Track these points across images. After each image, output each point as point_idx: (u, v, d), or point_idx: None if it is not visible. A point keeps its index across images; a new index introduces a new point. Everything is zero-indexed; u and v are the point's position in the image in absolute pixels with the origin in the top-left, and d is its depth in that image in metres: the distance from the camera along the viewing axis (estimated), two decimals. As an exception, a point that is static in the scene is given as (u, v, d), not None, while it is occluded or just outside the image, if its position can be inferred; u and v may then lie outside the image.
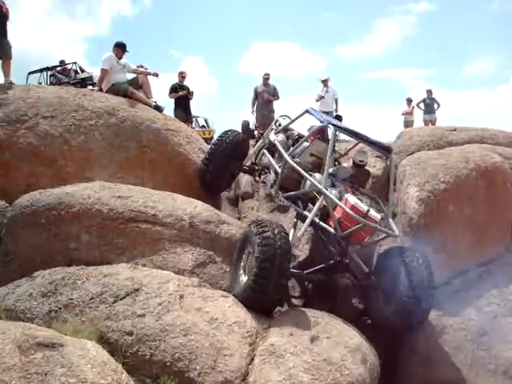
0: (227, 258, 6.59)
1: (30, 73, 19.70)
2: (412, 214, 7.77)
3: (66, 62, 19.94)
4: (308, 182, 6.97)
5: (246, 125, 11.90)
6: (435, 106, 17.04)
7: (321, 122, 7.66)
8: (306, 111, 8.09)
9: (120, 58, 9.58)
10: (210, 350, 4.83)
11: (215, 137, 20.57)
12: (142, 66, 10.66)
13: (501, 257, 8.05)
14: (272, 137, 8.30)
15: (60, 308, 5.14)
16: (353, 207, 6.38)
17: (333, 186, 7.04)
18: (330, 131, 7.30)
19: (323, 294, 7.68)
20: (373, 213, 6.49)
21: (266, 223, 6.14)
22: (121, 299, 5.18)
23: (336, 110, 14.57)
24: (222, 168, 8.53)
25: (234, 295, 5.90)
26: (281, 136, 8.35)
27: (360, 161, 7.86)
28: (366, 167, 8.19)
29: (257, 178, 9.04)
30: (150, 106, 9.14)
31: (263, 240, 5.83)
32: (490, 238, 7.93)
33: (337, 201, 6.43)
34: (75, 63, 19.53)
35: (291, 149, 7.67)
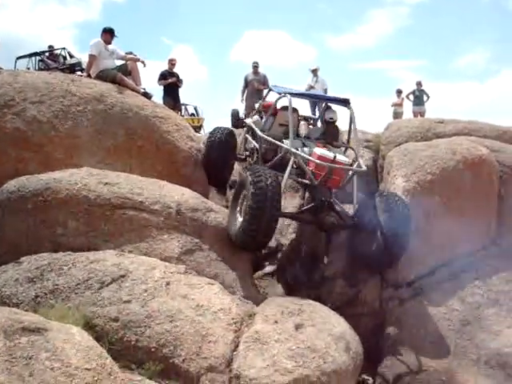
0: (214, 245, 6.62)
1: (18, 58, 19.49)
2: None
3: (55, 48, 19.75)
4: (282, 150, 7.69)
5: (235, 113, 11.87)
6: (425, 97, 17.10)
7: (279, 94, 8.41)
8: (269, 89, 9.16)
9: (109, 44, 9.52)
10: (195, 337, 4.86)
11: (204, 125, 20.68)
12: (131, 53, 10.59)
13: (485, 249, 8.12)
14: (248, 120, 9.24)
15: (46, 294, 5.14)
16: (320, 157, 7.18)
17: (304, 145, 7.81)
18: (288, 100, 7.88)
19: (309, 282, 7.75)
20: (340, 157, 7.31)
21: (260, 170, 6.76)
22: (107, 285, 5.20)
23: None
24: (220, 162, 8.90)
25: (230, 234, 6.78)
26: (255, 117, 9.22)
27: (330, 118, 8.50)
28: (336, 124, 8.68)
29: (247, 165, 9.24)
30: (139, 92, 9.10)
31: (257, 184, 6.48)
32: (475, 229, 7.95)
33: (304, 154, 7.30)
34: (64, 49, 19.34)
35: (260, 122, 8.62)
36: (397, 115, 17.07)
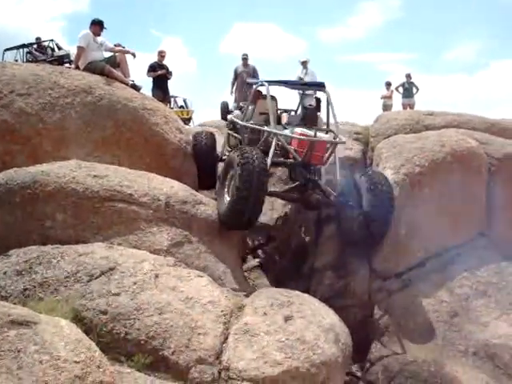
0: (203, 238, 6.61)
1: (6, 50, 19.38)
2: (387, 196, 7.82)
3: (43, 40, 19.63)
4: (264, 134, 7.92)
5: (225, 106, 11.84)
6: (414, 90, 17.12)
7: (256, 83, 8.93)
8: (247, 83, 9.72)
9: (98, 36, 9.45)
10: (184, 329, 4.85)
11: (194, 117, 20.62)
12: (119, 45, 10.53)
13: (474, 240, 8.18)
14: (229, 117, 9.47)
15: (35, 286, 5.11)
16: (301, 134, 7.47)
17: (285, 129, 8.04)
18: (266, 88, 8.20)
19: (298, 274, 7.77)
20: (320, 134, 7.65)
21: (247, 149, 6.97)
22: (96, 278, 5.18)
23: (315, 92, 14.57)
24: (205, 166, 8.99)
25: (219, 214, 6.94)
26: (236, 112, 9.56)
27: (309, 104, 9.05)
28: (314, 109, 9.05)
29: None
30: (128, 84, 9.05)
31: (244, 162, 6.66)
32: (463, 221, 8.03)
33: (286, 133, 7.66)
34: (52, 40, 19.24)
35: (241, 115, 8.84)
36: (386, 107, 17.10)
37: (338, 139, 7.71)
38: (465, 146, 8.41)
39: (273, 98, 8.69)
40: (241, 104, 9.78)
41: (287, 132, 7.80)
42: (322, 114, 8.88)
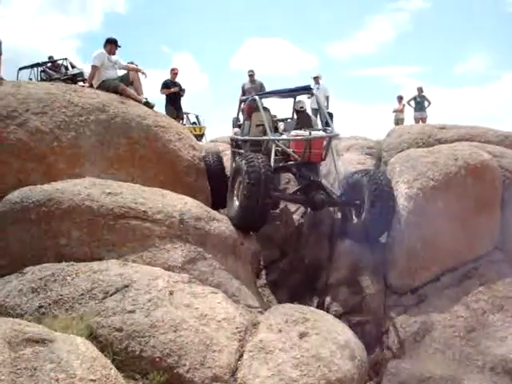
0: (217, 254, 6.61)
1: (20, 68, 19.61)
2: (401, 211, 7.79)
3: (55, 58, 19.84)
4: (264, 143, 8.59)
5: (236, 121, 11.90)
6: (426, 103, 17.09)
7: (245, 100, 9.60)
8: (240, 101, 10.20)
9: (113, 54, 9.57)
10: (199, 346, 4.85)
11: (206, 133, 20.70)
12: (132, 63, 10.63)
13: (489, 254, 8.09)
14: (230, 135, 10.19)
15: (50, 304, 5.14)
16: (296, 135, 8.17)
17: (282, 135, 8.69)
18: (258, 101, 8.83)
19: (312, 290, 7.74)
20: (314, 133, 8.23)
21: (253, 156, 7.45)
22: (110, 295, 5.20)
23: (327, 108, 14.61)
24: (216, 186, 9.05)
25: (229, 218, 7.38)
26: (235, 130, 10.13)
27: (300, 107, 9.72)
28: (307, 112, 9.96)
29: None
30: (141, 102, 9.12)
31: (251, 168, 7.18)
32: (478, 235, 7.96)
33: (283, 137, 8.29)
34: (66, 59, 19.44)
35: (240, 131, 9.51)
36: (398, 121, 17.08)
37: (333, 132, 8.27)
38: (478, 160, 8.34)
39: (265, 109, 9.22)
40: (239, 122, 10.21)
41: (284, 137, 8.42)
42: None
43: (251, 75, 14.20)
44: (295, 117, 9.98)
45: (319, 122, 9.88)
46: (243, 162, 7.41)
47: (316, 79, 14.92)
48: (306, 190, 7.99)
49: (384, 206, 7.68)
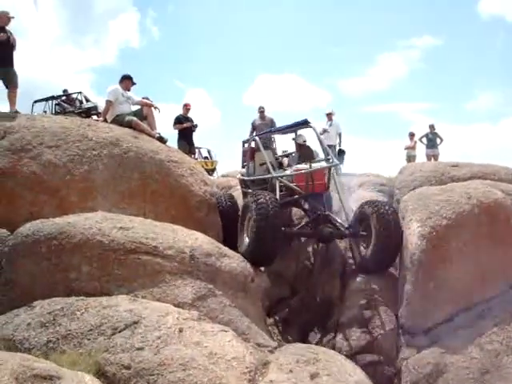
0: (227, 291, 6.54)
1: (35, 101, 19.91)
2: (414, 250, 7.71)
3: (70, 92, 20.14)
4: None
5: (242, 162, 11.98)
6: (438, 140, 17.14)
7: (246, 142, 10.28)
8: (243, 142, 10.73)
9: (128, 90, 9.71)
10: (208, 386, 4.77)
11: (218, 168, 20.76)
12: (147, 98, 10.76)
13: (503, 294, 7.96)
14: (237, 176, 10.81)
15: (58, 339, 5.10)
16: (297, 169, 8.62)
17: (285, 171, 9.13)
18: (258, 141, 9.43)
19: (323, 328, 7.64)
20: (315, 165, 8.63)
21: (260, 193, 7.70)
22: (119, 331, 5.15)
23: (339, 144, 14.67)
24: (230, 226, 8.90)
25: (241, 254, 7.37)
26: (242, 170, 10.69)
27: (303, 141, 10.13)
28: (307, 145, 10.26)
29: None
30: (154, 137, 9.20)
31: (259, 205, 7.38)
32: (492, 274, 7.85)
33: (285, 173, 8.73)
34: (80, 93, 19.73)
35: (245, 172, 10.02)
36: (410, 158, 17.12)
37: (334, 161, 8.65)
38: (492, 198, 8.29)
39: (267, 147, 9.88)
40: (244, 163, 10.62)
41: (286, 172, 8.85)
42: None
43: (262, 112, 14.21)
44: (297, 151, 10.37)
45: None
46: (251, 198, 7.70)
47: (329, 116, 15.03)
48: (314, 223, 8.21)
49: (390, 236, 7.81)
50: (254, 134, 14.09)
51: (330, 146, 12.32)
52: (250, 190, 9.38)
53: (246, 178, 9.69)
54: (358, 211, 8.32)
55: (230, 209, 9.29)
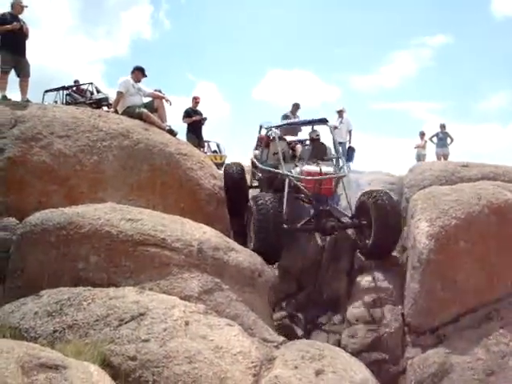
0: (234, 285, 6.52)
1: (46, 91, 19.86)
2: (422, 249, 7.69)
3: (81, 82, 20.12)
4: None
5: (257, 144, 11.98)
6: (448, 140, 17.02)
7: (266, 129, 10.25)
8: (260, 126, 10.72)
9: (139, 81, 9.69)
10: (213, 380, 4.74)
11: (227, 162, 20.73)
12: (159, 91, 10.74)
13: (510, 296, 7.93)
14: (250, 157, 10.85)
15: (64, 329, 5.09)
16: (308, 173, 8.66)
17: (296, 166, 9.14)
18: (274, 132, 9.73)
19: (329, 325, 7.63)
20: (325, 169, 8.74)
21: (261, 199, 8.03)
22: (126, 323, 5.13)
23: (349, 142, 14.59)
24: (237, 193, 9.53)
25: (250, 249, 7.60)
26: (255, 152, 10.80)
27: (316, 135, 10.09)
28: (321, 140, 10.24)
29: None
30: (164, 129, 9.19)
31: (259, 206, 7.82)
32: (500, 276, 7.83)
33: (295, 175, 8.69)
34: (91, 84, 19.69)
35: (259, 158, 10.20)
36: (420, 157, 17.02)
37: (343, 170, 8.99)
38: (502, 199, 8.26)
39: (281, 138, 9.93)
40: (257, 143, 10.95)
41: (298, 170, 8.87)
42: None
43: (297, 108, 14.14)
44: (309, 143, 10.50)
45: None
46: (252, 202, 8.18)
47: (340, 113, 14.94)
48: (317, 218, 8.40)
49: (388, 224, 8.15)
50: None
51: (340, 144, 12.29)
52: (257, 172, 10.21)
53: (258, 165, 9.92)
54: (358, 202, 8.68)
55: (238, 175, 9.82)
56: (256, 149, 10.92)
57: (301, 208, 9.27)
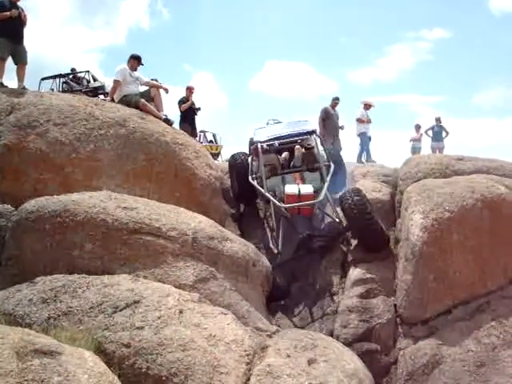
0: (228, 275, 6.58)
1: (42, 79, 19.83)
2: (415, 241, 7.73)
3: (77, 70, 20.08)
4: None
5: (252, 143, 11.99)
6: (443, 133, 17.10)
7: (253, 143, 10.14)
8: (250, 142, 10.76)
9: (135, 70, 9.70)
10: (206, 367, 4.80)
11: (222, 152, 20.77)
12: (156, 80, 10.74)
13: (502, 289, 7.99)
14: (249, 160, 10.46)
15: (59, 315, 5.13)
16: (288, 197, 8.70)
17: (283, 181, 9.44)
18: (259, 147, 9.55)
19: (322, 315, 7.67)
20: (304, 190, 8.78)
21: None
22: (120, 310, 5.18)
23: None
24: (245, 179, 9.62)
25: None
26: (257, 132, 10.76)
27: (308, 144, 10.10)
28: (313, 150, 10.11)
29: None
30: (161, 118, 9.21)
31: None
32: (492, 269, 7.87)
33: (276, 202, 8.72)
34: (88, 72, 19.66)
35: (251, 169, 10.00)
36: (415, 150, 17.10)
37: (322, 191, 8.69)
38: (495, 193, 8.29)
39: (270, 151, 9.92)
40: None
41: (282, 189, 9.00)
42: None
43: (336, 103, 13.99)
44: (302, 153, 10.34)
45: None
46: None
47: (367, 106, 15.16)
48: (303, 243, 8.53)
49: (359, 227, 8.24)
50: (326, 122, 13.35)
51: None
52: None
53: (249, 176, 9.61)
54: (340, 206, 8.64)
55: (241, 164, 9.96)
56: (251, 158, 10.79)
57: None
